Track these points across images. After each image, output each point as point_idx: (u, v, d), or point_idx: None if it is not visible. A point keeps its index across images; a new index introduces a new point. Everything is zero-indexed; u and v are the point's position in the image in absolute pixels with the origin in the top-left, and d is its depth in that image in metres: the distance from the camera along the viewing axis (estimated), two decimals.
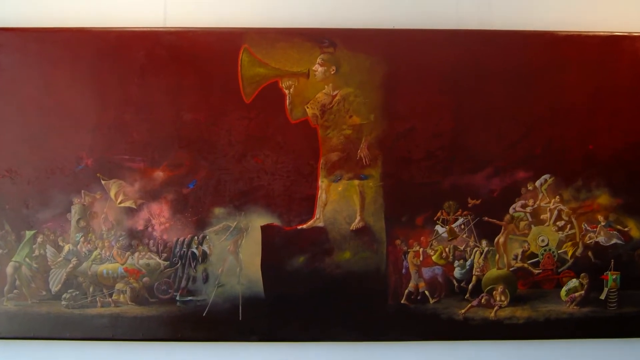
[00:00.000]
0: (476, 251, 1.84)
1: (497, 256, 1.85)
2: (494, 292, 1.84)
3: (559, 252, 1.85)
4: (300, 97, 1.82)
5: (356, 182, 1.83)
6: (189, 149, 1.81)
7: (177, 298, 1.81)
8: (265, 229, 1.82)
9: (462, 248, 1.84)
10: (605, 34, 1.85)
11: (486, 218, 1.84)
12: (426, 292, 1.83)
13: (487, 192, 1.84)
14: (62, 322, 1.79)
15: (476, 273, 1.84)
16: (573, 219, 1.85)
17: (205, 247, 1.82)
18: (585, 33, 1.85)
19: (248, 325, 1.81)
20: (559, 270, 1.85)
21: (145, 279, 1.81)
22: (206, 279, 1.82)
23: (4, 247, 1.81)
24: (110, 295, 1.81)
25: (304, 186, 1.82)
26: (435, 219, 1.84)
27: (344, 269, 1.82)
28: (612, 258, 1.85)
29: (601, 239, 1.85)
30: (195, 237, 1.82)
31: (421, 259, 1.84)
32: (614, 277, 1.84)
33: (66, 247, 1.81)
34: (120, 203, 1.81)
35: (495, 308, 1.84)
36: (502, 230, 1.84)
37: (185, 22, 1.86)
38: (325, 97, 1.82)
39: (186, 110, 1.81)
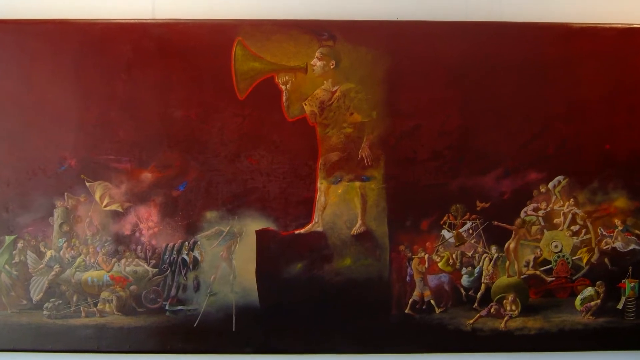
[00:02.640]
0: (485, 257, 1.82)
1: (508, 263, 1.82)
2: (504, 302, 1.81)
3: (573, 258, 1.82)
4: (298, 94, 1.79)
5: (357, 183, 1.80)
6: (178, 149, 1.78)
7: (167, 307, 1.79)
8: (260, 234, 1.79)
9: (470, 254, 1.82)
10: (623, 26, 1.83)
11: (496, 222, 1.81)
12: (432, 302, 1.81)
13: (497, 195, 1.81)
14: (43, 333, 1.77)
15: (485, 281, 1.82)
16: (588, 223, 1.82)
17: (196, 253, 1.79)
18: (602, 25, 1.82)
19: (242, 337, 1.78)
20: (574, 277, 1.82)
21: (132, 287, 1.79)
22: (197, 287, 1.79)
23: None
24: (95, 304, 1.78)
25: (302, 188, 1.79)
26: (441, 223, 1.81)
27: (344, 276, 1.79)
28: (630, 265, 1.82)
29: (618, 244, 1.82)
30: (186, 243, 1.79)
31: (426, 265, 1.81)
32: (632, 285, 1.81)
33: (48, 253, 1.78)
34: (105, 206, 1.78)
35: (506, 318, 1.81)
36: (513, 236, 1.82)
37: (175, 13, 1.84)
38: (324, 94, 1.80)
39: (176, 108, 1.78)
